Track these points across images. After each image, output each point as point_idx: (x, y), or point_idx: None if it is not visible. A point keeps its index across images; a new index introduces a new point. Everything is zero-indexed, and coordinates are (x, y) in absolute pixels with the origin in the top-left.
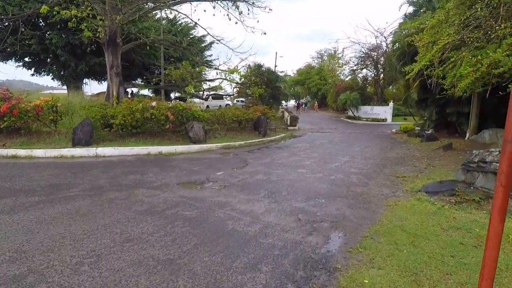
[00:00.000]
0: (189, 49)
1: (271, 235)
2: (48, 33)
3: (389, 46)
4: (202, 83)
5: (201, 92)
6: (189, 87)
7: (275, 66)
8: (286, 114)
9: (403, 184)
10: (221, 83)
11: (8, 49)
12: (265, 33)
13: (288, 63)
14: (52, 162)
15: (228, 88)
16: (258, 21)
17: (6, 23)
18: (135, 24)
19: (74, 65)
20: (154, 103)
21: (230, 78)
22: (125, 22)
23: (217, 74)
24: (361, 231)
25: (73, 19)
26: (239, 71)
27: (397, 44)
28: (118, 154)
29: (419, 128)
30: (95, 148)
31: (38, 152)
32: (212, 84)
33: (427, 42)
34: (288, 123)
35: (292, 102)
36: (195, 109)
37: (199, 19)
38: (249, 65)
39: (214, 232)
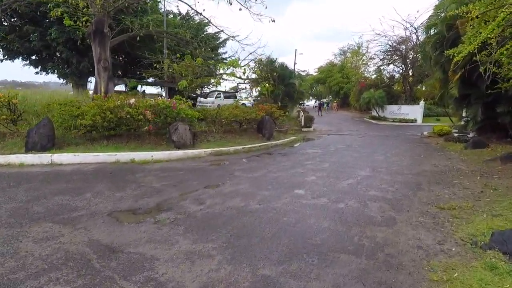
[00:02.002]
0: (192, 43)
1: None
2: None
3: (419, 38)
4: (203, 78)
5: (201, 89)
6: (182, 82)
7: (295, 63)
8: (302, 114)
9: (454, 225)
10: (219, 78)
11: (15, 48)
12: (273, 21)
13: (310, 62)
14: None
15: (239, 85)
16: (266, 7)
17: None
18: (136, 17)
19: (76, 62)
20: (132, 100)
21: (231, 71)
22: (111, 9)
23: (217, 68)
24: None
25: (49, 5)
26: (239, 63)
27: (432, 30)
28: (79, 162)
29: (457, 131)
30: (50, 155)
31: None
32: (218, 79)
33: (482, 13)
34: (302, 124)
35: (312, 102)
36: (182, 107)
37: (204, 10)
38: (259, 59)
39: None
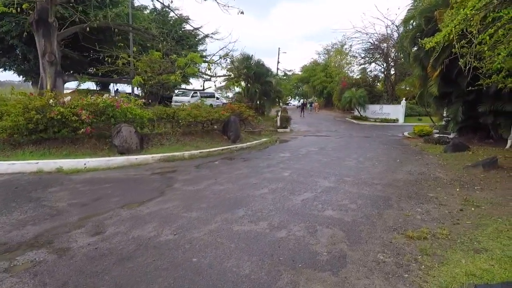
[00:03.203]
0: (158, 37)
1: None
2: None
3: (400, 32)
4: (166, 75)
5: (162, 86)
6: (136, 78)
7: (278, 62)
8: (280, 114)
9: (422, 267)
10: (180, 73)
11: None
12: (242, 13)
13: (298, 62)
14: None
15: (205, 83)
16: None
17: None
18: (91, 8)
19: (33, 57)
20: (67, 98)
21: (192, 67)
22: None
23: (176, 64)
24: None
25: None
26: (201, 57)
27: (411, 24)
28: None
29: (437, 131)
30: None
31: None
32: (176, 76)
33: None
34: (278, 124)
35: (295, 102)
36: (127, 106)
37: (172, 1)
38: (226, 53)
39: None
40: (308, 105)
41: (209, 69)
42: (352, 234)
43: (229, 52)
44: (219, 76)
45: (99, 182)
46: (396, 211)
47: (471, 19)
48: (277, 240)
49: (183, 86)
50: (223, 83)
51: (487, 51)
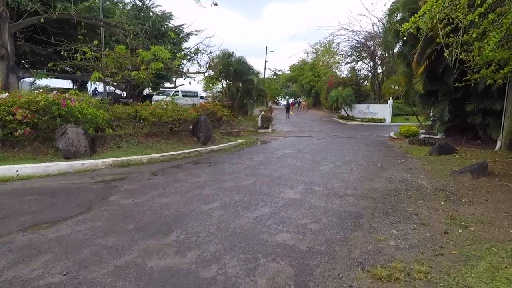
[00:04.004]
0: (128, 31)
1: None
2: None
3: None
4: (126, 71)
5: (127, 83)
6: (95, 74)
7: (265, 61)
8: (262, 113)
9: None
10: (144, 69)
11: None
12: (215, 4)
13: (289, 61)
14: None
15: (177, 80)
16: None
17: None
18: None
19: None
20: (4, 95)
21: (155, 62)
22: None
23: (141, 61)
24: None
25: None
26: (167, 51)
27: (395, 17)
28: None
29: (424, 132)
30: None
31: None
32: (139, 73)
33: None
34: (259, 124)
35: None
36: (75, 104)
37: None
38: (197, 48)
39: None
40: (296, 105)
41: (179, 64)
42: (302, 272)
43: (205, 48)
44: (192, 73)
45: (24, 193)
46: (366, 234)
47: (458, 3)
48: (199, 283)
49: (169, 84)
50: (204, 81)
51: (475, 42)
